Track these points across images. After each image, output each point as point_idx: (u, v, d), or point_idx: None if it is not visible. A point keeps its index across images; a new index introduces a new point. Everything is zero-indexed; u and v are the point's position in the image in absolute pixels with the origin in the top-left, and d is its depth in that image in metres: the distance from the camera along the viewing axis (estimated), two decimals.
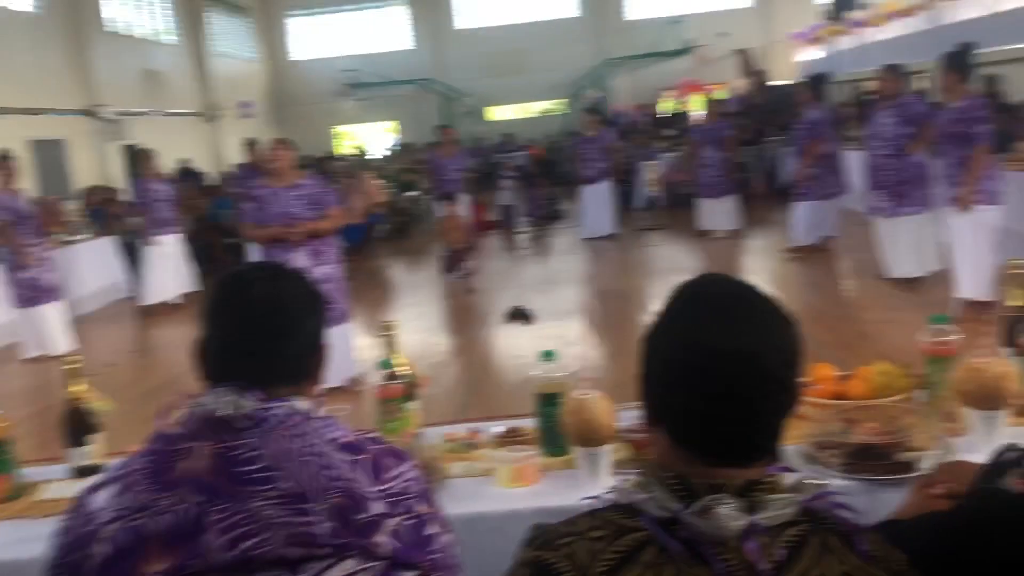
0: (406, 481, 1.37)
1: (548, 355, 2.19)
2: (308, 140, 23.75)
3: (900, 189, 6.80)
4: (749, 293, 1.15)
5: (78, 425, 2.37)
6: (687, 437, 1.11)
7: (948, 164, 5.82)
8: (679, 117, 20.57)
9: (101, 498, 1.32)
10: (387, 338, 2.39)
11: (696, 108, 20.69)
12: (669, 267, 9.33)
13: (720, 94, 22.32)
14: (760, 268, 8.83)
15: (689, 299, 1.17)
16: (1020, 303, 2.22)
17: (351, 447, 1.36)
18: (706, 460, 1.10)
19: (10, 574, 1.95)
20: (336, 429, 1.38)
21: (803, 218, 8.77)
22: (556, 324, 7.01)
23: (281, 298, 1.43)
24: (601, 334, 6.61)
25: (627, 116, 23.53)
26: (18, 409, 5.99)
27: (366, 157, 19.37)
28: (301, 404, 1.39)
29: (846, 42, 18.01)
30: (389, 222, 13.38)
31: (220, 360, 1.40)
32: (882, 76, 7.16)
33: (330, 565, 1.26)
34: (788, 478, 1.12)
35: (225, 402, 1.33)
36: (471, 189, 11.60)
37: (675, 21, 24.36)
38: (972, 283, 5.80)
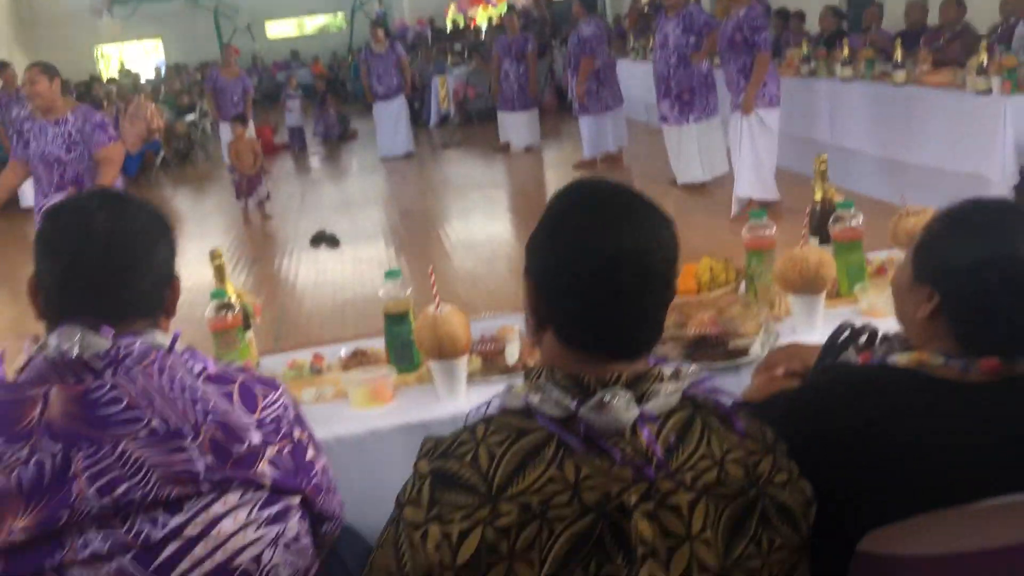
0: (280, 407, 1.34)
1: (393, 274, 2.17)
2: (66, 62, 21.59)
3: (686, 97, 7.11)
4: (629, 196, 1.18)
5: None
6: (576, 336, 1.15)
7: (731, 71, 6.12)
8: (466, 30, 20.48)
9: None
10: (216, 268, 2.26)
11: (482, 21, 20.69)
12: (469, 184, 9.37)
13: (498, 10, 22.41)
14: (557, 181, 9.03)
15: (571, 205, 1.19)
16: (823, 195, 2.42)
17: (220, 378, 1.31)
18: (596, 357, 1.14)
19: None
20: (201, 361, 1.32)
21: (586, 133, 9.04)
22: (364, 246, 6.91)
23: (128, 227, 1.32)
24: (411, 254, 6.58)
25: (411, 30, 23.14)
26: None
27: (136, 80, 17.92)
28: (160, 338, 1.31)
29: None
30: (168, 149, 12.56)
31: (62, 296, 1.29)
32: None
33: (212, 501, 1.22)
34: (667, 368, 1.18)
35: (74, 342, 1.22)
36: (255, 110, 11.05)
37: None
38: (755, 183, 6.22)
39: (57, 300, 1.28)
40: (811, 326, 2.07)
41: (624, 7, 17.28)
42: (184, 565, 1.20)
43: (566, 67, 10.15)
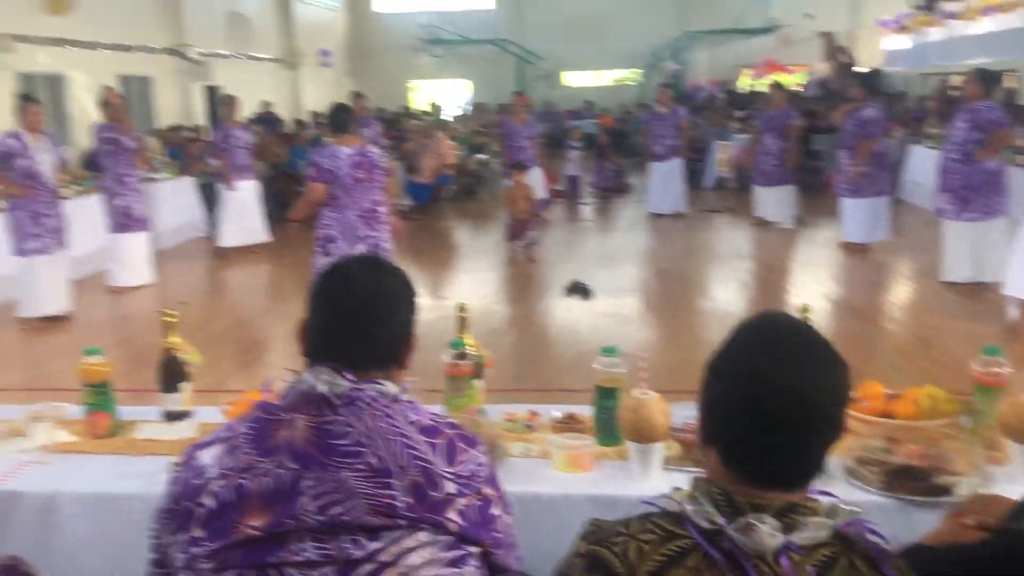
0: (476, 465, 1.52)
1: (610, 351, 2.32)
2: (383, 93, 23.99)
3: (965, 193, 6.86)
4: (807, 333, 1.27)
5: (171, 373, 2.58)
6: (737, 460, 1.24)
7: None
8: (756, 96, 20.25)
9: (209, 455, 1.49)
10: (461, 319, 2.54)
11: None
12: (731, 252, 9.32)
13: (794, 78, 21.94)
14: (819, 262, 8.75)
15: (751, 333, 1.29)
16: None
17: (430, 430, 1.51)
18: (752, 482, 1.23)
19: (109, 505, 2.17)
20: (418, 412, 1.54)
21: (855, 216, 8.69)
22: (614, 301, 7.11)
23: (380, 290, 1.59)
24: (657, 315, 6.71)
25: (704, 91, 23.27)
26: (105, 337, 6.35)
27: (440, 115, 19.48)
28: (389, 387, 1.55)
29: (935, 34, 17.48)
30: (457, 183, 13.53)
31: (321, 342, 1.56)
32: (968, 79, 7.10)
33: (404, 535, 1.41)
34: (825, 502, 1.24)
35: (323, 380, 1.49)
36: (541, 157, 11.64)
37: None
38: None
39: (316, 344, 1.57)
40: None
41: (929, 88, 16.38)
42: None
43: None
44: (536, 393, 4.85)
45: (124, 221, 7.82)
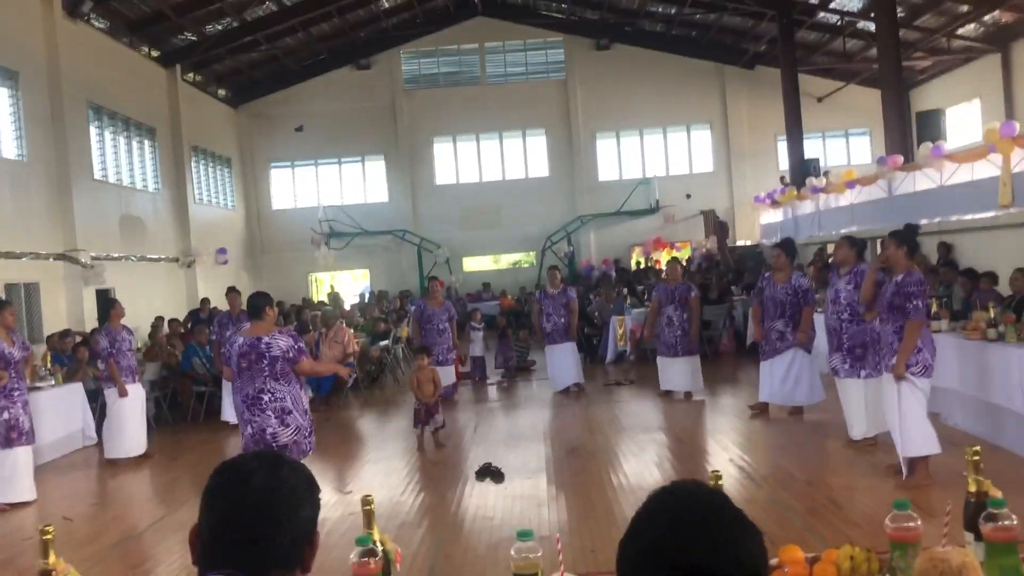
0: None
1: (525, 535, 2.23)
2: (283, 285, 24.03)
3: (857, 352, 7.22)
4: (715, 505, 1.21)
5: None
6: None
7: (888, 332, 6.15)
8: (649, 272, 21.14)
9: None
10: (366, 512, 2.42)
11: (663, 264, 21.31)
12: (636, 425, 9.36)
13: (680, 253, 23.15)
14: (728, 428, 8.90)
15: (655, 511, 1.22)
16: (977, 488, 2.31)
17: None
18: None
19: None
20: None
21: (775, 375, 8.94)
22: (526, 482, 6.98)
23: (278, 489, 1.49)
24: (570, 494, 6.58)
25: (597, 269, 24.19)
26: None
27: (339, 305, 19.55)
28: None
29: (806, 207, 18.81)
30: (360, 372, 13.40)
31: (214, 547, 1.45)
32: (838, 245, 7.64)
33: None
34: None
35: None
36: (454, 340, 11.85)
37: (644, 183, 25.48)
38: (911, 442, 6.05)
39: (209, 550, 1.45)
40: None
41: (804, 258, 17.41)
42: None
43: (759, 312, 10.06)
44: None
45: (11, 435, 7.40)
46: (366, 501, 2.45)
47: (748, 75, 25.89)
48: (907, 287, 5.97)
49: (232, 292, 11.20)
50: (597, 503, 6.25)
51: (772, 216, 21.82)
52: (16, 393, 7.50)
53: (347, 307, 20.28)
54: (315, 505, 1.54)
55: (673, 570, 1.14)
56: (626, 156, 26.70)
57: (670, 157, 26.62)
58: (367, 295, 23.92)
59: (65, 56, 15.82)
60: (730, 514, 1.20)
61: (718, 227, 23.79)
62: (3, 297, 9.29)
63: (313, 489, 1.55)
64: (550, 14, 26.06)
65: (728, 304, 14.94)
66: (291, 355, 5.91)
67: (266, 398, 5.82)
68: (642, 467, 7.42)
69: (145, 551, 6.15)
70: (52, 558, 2.37)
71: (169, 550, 5.93)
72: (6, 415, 7.40)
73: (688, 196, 25.36)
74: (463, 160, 26.74)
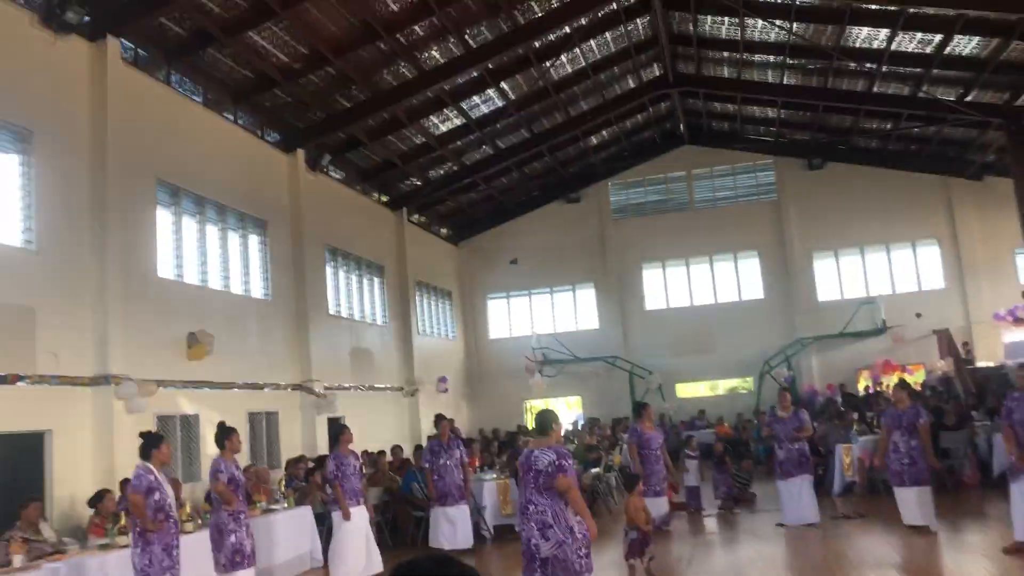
0: None
1: None
2: (499, 413, 24.60)
3: None
4: None
5: None
6: None
7: None
8: (878, 397, 19.80)
9: None
10: None
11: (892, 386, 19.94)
12: (867, 561, 8.62)
13: (912, 377, 21.55)
14: (974, 568, 8.00)
15: None
16: None
17: None
18: None
19: None
20: None
21: None
22: None
23: None
24: None
25: (820, 395, 22.95)
26: None
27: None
28: None
29: None
30: None
31: None
32: None
33: None
34: None
35: None
36: (668, 468, 11.59)
37: (868, 302, 24.18)
38: None
39: None
40: None
41: None
42: None
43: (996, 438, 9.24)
44: None
45: (236, 558, 7.91)
46: None
47: (976, 186, 24.32)
48: None
49: (442, 419, 11.59)
50: None
51: (1016, 334, 19.99)
52: (242, 516, 8.03)
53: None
54: None
55: None
56: (847, 275, 25.57)
57: (895, 275, 25.21)
58: (580, 422, 23.93)
59: (306, 203, 17.57)
60: None
61: (954, 347, 22.03)
62: (244, 425, 10.12)
63: None
64: (759, 138, 25.93)
65: (969, 430, 13.67)
66: (550, 470, 5.98)
67: (531, 508, 6.01)
68: None
69: None
70: None
71: None
72: (233, 539, 7.90)
73: (918, 315, 23.73)
74: (673, 285, 26.66)
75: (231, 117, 15.87)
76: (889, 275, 25.25)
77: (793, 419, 11.13)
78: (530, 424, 24.70)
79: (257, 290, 16.09)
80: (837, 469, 13.54)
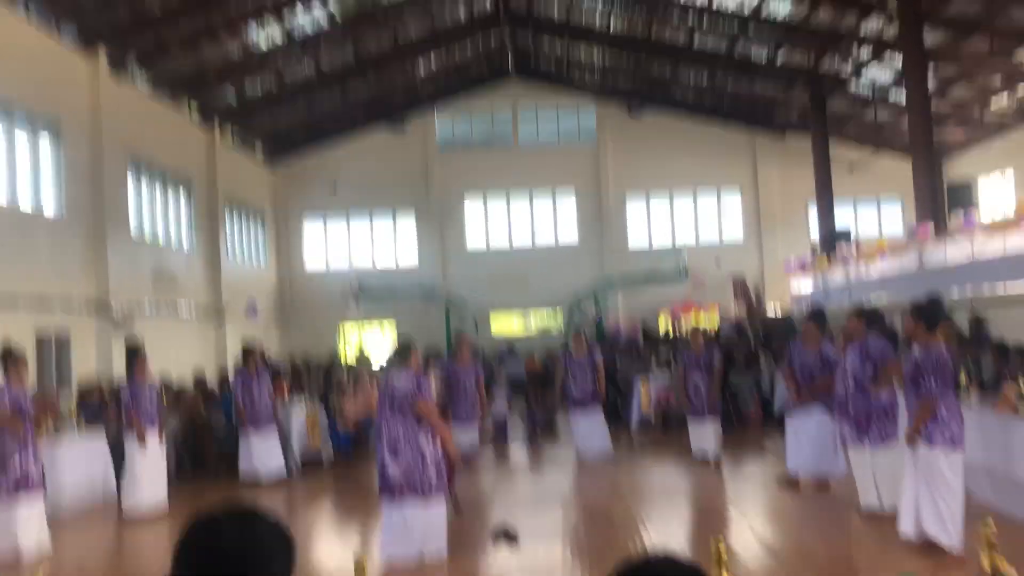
0: None
1: None
2: (313, 341, 24.14)
3: (860, 422, 7.26)
4: None
5: None
6: None
7: (911, 402, 6.12)
8: (674, 337, 20.97)
9: None
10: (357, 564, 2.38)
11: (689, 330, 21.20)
12: (659, 491, 9.21)
13: (711, 317, 22.98)
14: (751, 497, 8.73)
15: None
16: (991, 564, 2.23)
17: None
18: None
19: None
20: None
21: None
22: (542, 547, 6.85)
23: (250, 545, 1.47)
24: (586, 563, 6.44)
25: (624, 333, 24.06)
26: None
27: (368, 362, 19.55)
28: None
29: (837, 275, 18.67)
30: None
31: None
32: (849, 317, 7.73)
33: None
34: None
35: None
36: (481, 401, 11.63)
37: (674, 252, 25.52)
38: (931, 522, 5.93)
39: None
40: None
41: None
42: None
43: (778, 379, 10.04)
44: None
45: (20, 483, 7.40)
46: (359, 567, 2.42)
47: (780, 143, 26.03)
48: (925, 363, 5.97)
49: (249, 352, 11.31)
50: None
51: (803, 284, 21.68)
52: (28, 442, 7.49)
53: (375, 367, 20.28)
54: (288, 562, 1.51)
55: None
56: (656, 223, 26.79)
57: (700, 225, 26.66)
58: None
59: (107, 110, 16.27)
60: None
61: (747, 294, 23.65)
62: (31, 344, 9.40)
63: (287, 546, 1.52)
64: (584, 80, 26.45)
65: (755, 372, 14.76)
66: (409, 394, 6.41)
67: (384, 430, 6.46)
68: (662, 535, 7.27)
69: None
70: None
71: None
72: (18, 465, 7.37)
73: (718, 262, 25.32)
74: (494, 225, 26.97)
75: (22, 9, 14.37)
76: (694, 225, 26.69)
77: (587, 359, 11.59)
78: (340, 352, 24.48)
79: (49, 207, 14.87)
80: (635, 404, 14.29)
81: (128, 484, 9.20)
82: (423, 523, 6.46)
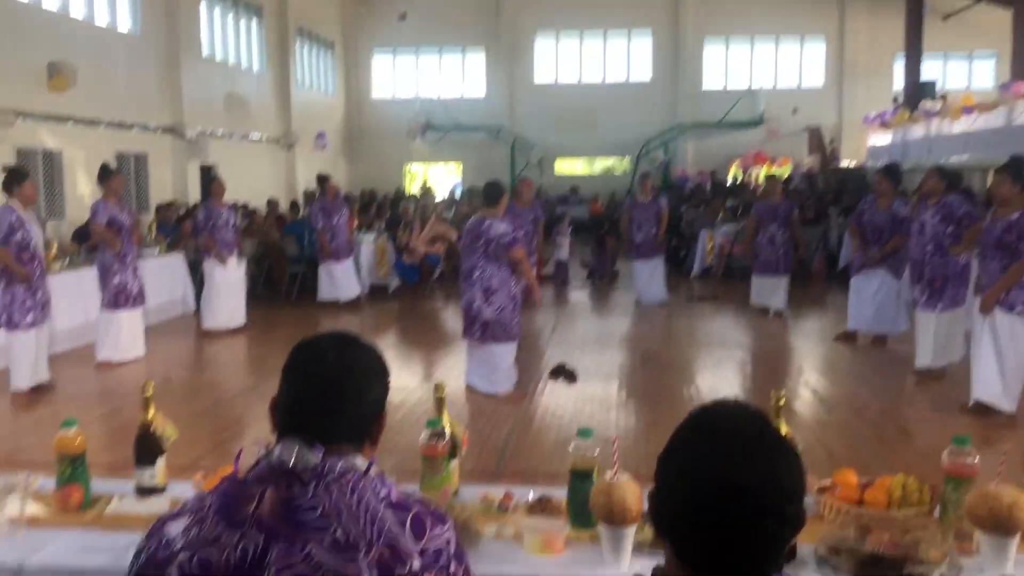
0: (444, 542, 1.52)
1: (585, 433, 2.34)
2: (378, 175, 24.36)
3: (937, 285, 7.03)
4: (755, 427, 1.22)
5: (147, 448, 2.57)
6: (689, 558, 1.21)
7: (992, 269, 5.84)
8: (743, 188, 20.66)
9: (176, 528, 1.49)
10: (438, 399, 2.56)
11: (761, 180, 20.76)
12: (716, 340, 9.38)
13: (780, 170, 22.40)
14: (809, 351, 8.86)
15: (696, 429, 1.24)
16: None
17: (398, 506, 1.52)
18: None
19: None
20: (386, 487, 1.54)
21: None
22: (598, 385, 7.12)
23: (352, 367, 1.60)
24: (640, 402, 6.70)
25: (691, 180, 23.72)
26: (89, 410, 6.32)
27: (432, 198, 19.77)
28: (358, 462, 1.56)
29: (917, 131, 17.98)
30: (447, 264, 13.63)
31: (291, 416, 1.58)
32: (928, 175, 7.34)
33: None
34: None
35: (292, 454, 1.50)
36: (539, 243, 11.75)
37: (750, 94, 24.59)
38: (991, 387, 5.89)
39: (287, 418, 1.58)
40: (1000, 569, 1.98)
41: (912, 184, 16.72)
42: None
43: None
44: (517, 477, 4.83)
45: (120, 298, 7.85)
46: (438, 389, 2.59)
47: None
48: (1021, 226, 5.62)
49: (327, 179, 11.50)
50: (665, 413, 6.32)
51: (881, 139, 20.95)
52: (127, 258, 7.91)
53: (437, 200, 20.49)
54: (384, 386, 1.65)
55: (712, 489, 1.16)
56: (733, 65, 25.81)
57: (780, 69, 25.61)
58: (458, 191, 24.05)
59: None
60: (771, 436, 1.22)
61: (822, 145, 22.97)
62: (113, 164, 9.67)
63: (383, 371, 1.65)
64: None
65: (824, 226, 14.58)
66: (505, 240, 6.39)
67: (476, 274, 6.46)
68: (716, 382, 7.47)
69: (234, 415, 6.56)
70: (151, 413, 2.59)
71: (256, 417, 6.31)
72: (117, 279, 7.82)
73: (795, 111, 24.46)
74: (564, 59, 26.26)
75: None
76: (774, 69, 25.64)
77: (653, 204, 11.50)
78: (408, 189, 24.68)
79: (124, 23, 14.88)
80: (699, 253, 14.30)
81: (207, 304, 9.64)
82: (504, 363, 6.72)
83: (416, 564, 1.45)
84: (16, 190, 6.75)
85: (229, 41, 19.09)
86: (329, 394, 1.57)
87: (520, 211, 11.13)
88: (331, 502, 1.46)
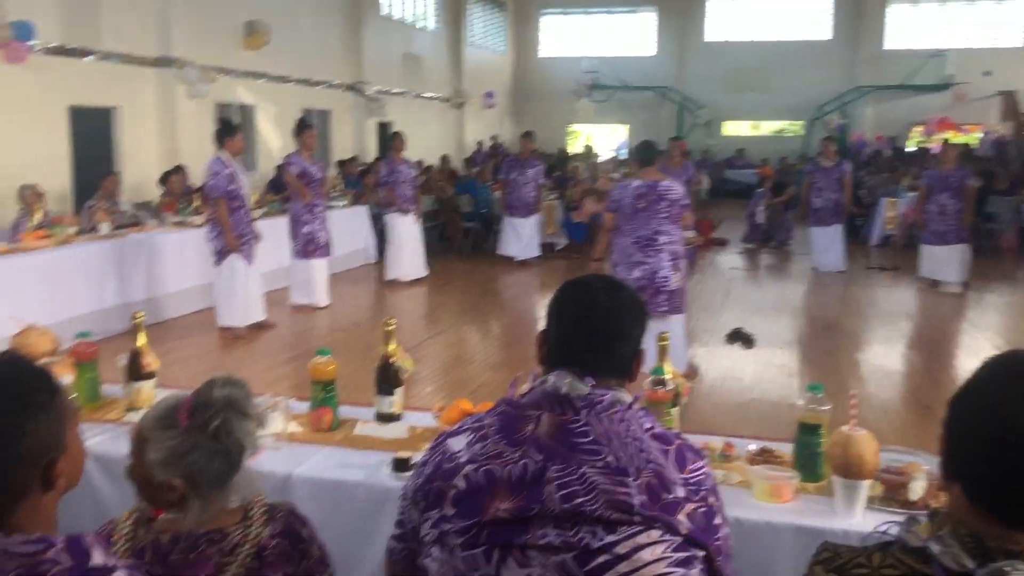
0: (702, 475, 1.61)
1: (815, 388, 2.37)
2: (543, 135, 24.48)
3: None
4: None
5: (387, 378, 2.79)
6: (983, 498, 1.19)
7: None
8: (924, 154, 19.52)
9: (458, 442, 1.64)
10: (661, 347, 2.65)
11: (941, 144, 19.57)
12: (895, 311, 9.01)
13: (968, 137, 20.92)
14: (991, 326, 8.37)
15: (998, 369, 1.24)
16: None
17: (661, 437, 1.62)
18: (1002, 523, 1.16)
19: (335, 491, 2.39)
20: (649, 420, 1.64)
21: None
22: (776, 352, 7.02)
23: (620, 306, 1.71)
24: (822, 370, 6.57)
25: (870, 147, 22.60)
26: (283, 352, 6.80)
27: (596, 158, 19.74)
28: (624, 395, 1.67)
29: None
30: None
31: (562, 349, 1.70)
32: None
33: (639, 531, 1.50)
34: None
35: (566, 383, 1.62)
36: (694, 204, 11.54)
37: (936, 55, 23.00)
38: None
39: (558, 351, 1.70)
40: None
41: None
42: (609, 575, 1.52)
43: None
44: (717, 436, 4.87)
45: (309, 247, 8.33)
46: (662, 337, 2.68)
47: None
48: None
49: (527, 135, 11.73)
50: (844, 381, 6.18)
51: None
52: (316, 209, 8.37)
53: (600, 161, 20.44)
54: (643, 327, 1.75)
55: (1010, 427, 1.16)
56: (920, 22, 24.19)
57: (972, 27, 23.80)
58: (623, 152, 23.90)
59: None
60: None
61: (1017, 111, 21.33)
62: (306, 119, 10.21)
63: (644, 312, 1.75)
64: None
65: (1018, 197, 13.62)
66: (684, 202, 5.87)
67: (661, 239, 5.73)
68: (892, 352, 7.23)
69: (419, 360, 6.89)
70: (392, 346, 2.81)
71: (435, 366, 6.60)
72: (306, 229, 8.30)
73: (987, 73, 22.68)
74: (737, 15, 25.39)
75: None
76: (965, 26, 23.87)
77: (835, 170, 11.06)
78: (570, 148, 24.67)
79: None
80: (878, 221, 13.69)
81: (390, 256, 10.08)
82: (682, 338, 6.53)
83: (680, 492, 1.55)
84: (227, 141, 7.26)
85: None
86: (600, 331, 1.68)
87: (671, 172, 10.89)
88: (602, 429, 1.58)
